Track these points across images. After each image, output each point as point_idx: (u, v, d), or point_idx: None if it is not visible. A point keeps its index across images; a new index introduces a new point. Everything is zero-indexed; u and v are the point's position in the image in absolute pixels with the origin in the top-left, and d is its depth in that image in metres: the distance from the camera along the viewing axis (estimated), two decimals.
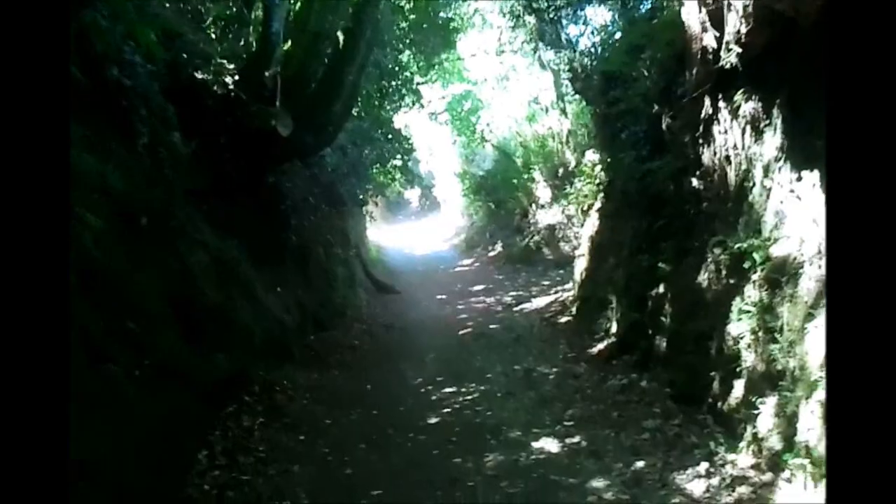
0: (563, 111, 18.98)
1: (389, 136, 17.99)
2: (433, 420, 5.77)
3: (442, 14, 17.90)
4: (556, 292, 12.63)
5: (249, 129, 7.27)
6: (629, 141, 6.96)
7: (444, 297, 13.71)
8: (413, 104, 19.06)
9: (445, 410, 6.01)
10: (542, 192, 18.99)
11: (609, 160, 8.02)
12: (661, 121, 6.12)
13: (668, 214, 5.88)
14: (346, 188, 13.53)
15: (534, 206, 19.14)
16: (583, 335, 8.45)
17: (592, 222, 9.36)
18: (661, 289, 6.01)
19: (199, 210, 7.23)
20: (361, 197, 16.45)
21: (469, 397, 6.39)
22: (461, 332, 9.87)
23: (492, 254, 20.17)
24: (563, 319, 9.87)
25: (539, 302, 12.00)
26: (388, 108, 18.00)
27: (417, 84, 19.29)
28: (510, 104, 22.63)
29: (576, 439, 4.97)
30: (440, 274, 17.67)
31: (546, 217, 18.02)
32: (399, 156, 18.99)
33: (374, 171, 18.74)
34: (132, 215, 4.50)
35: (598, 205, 9.27)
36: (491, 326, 10.16)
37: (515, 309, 11.76)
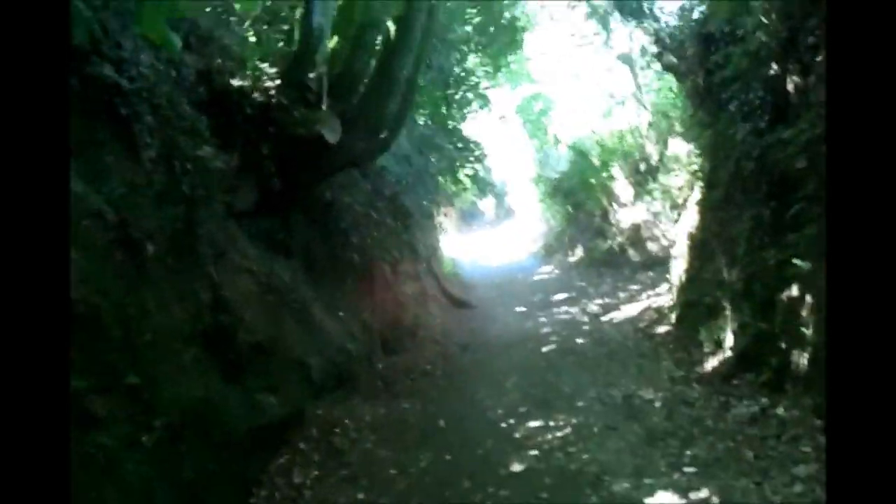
0: (641, 102, 17.83)
1: (458, 145, 17.26)
2: (517, 467, 4.74)
3: (507, 14, 16.97)
4: (647, 298, 11.40)
5: (293, 138, 6.50)
6: (740, 112, 5.74)
7: (523, 309, 12.65)
8: (481, 108, 18.28)
9: (532, 453, 4.97)
10: (623, 190, 17.79)
11: (711, 141, 6.81)
12: (784, 82, 4.94)
13: (803, 197, 4.66)
14: (413, 200, 12.70)
15: (614, 205, 17.97)
16: (688, 349, 7.23)
17: (691, 217, 8.12)
18: (796, 291, 4.79)
19: (245, 231, 6.52)
20: (430, 208, 15.68)
21: (559, 434, 5.33)
22: (545, 350, 8.80)
23: (572, 259, 19.05)
24: (662, 330, 8.64)
25: (630, 310, 10.78)
26: (456, 114, 17.30)
27: (485, 88, 18.51)
28: (583, 101, 21.50)
29: (703, 494, 3.82)
30: (519, 284, 16.60)
31: (629, 216, 16.85)
32: (469, 164, 18.24)
33: (444, 181, 18.01)
34: (135, 242, 3.71)
35: (696, 196, 8.02)
36: (578, 341, 9.04)
37: (604, 319, 10.58)
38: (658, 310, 9.86)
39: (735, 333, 5.98)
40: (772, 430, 4.48)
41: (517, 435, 5.46)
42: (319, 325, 7.17)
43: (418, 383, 7.62)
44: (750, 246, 5.55)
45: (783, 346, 4.93)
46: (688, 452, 4.47)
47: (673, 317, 8.71)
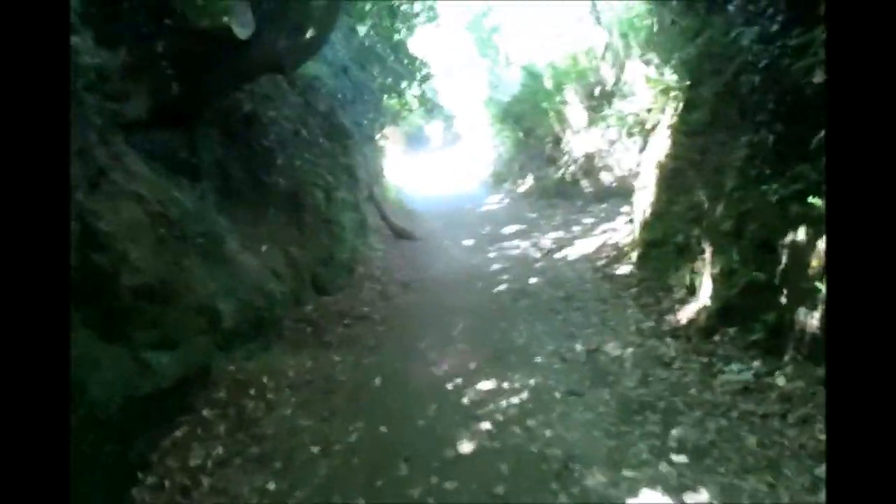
0: (598, 20, 16.77)
1: (404, 61, 15.95)
2: (466, 447, 3.87)
3: None
4: (603, 232, 10.65)
5: (195, 32, 5.24)
6: (743, 14, 4.73)
7: (471, 242, 11.76)
8: (428, 22, 16.90)
9: (483, 427, 4.11)
10: (576, 115, 16.86)
11: (695, 53, 5.82)
12: None
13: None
14: (352, 118, 11.46)
15: (567, 132, 17.07)
16: (655, 293, 6.47)
17: (661, 143, 7.21)
18: (803, 234, 3.95)
19: (138, 147, 5.30)
20: (372, 129, 14.44)
21: (515, 400, 4.48)
22: (495, 290, 7.95)
23: (522, 189, 18.25)
24: (622, 270, 7.88)
25: (585, 246, 10.00)
26: (401, 27, 15.95)
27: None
28: (537, 20, 20.24)
29: (703, 497, 3.03)
30: (466, 214, 15.69)
31: (582, 144, 16.03)
32: (416, 83, 17.01)
33: (388, 98, 16.77)
34: None
35: (668, 119, 7.10)
36: (531, 281, 8.21)
37: (557, 256, 9.78)
38: (616, 247, 9.10)
39: (716, 280, 5.17)
40: (773, 405, 3.70)
41: (465, 400, 4.60)
42: (234, 262, 6.09)
43: (353, 329, 6.68)
44: (744, 178, 4.65)
45: (783, 300, 4.12)
46: (673, 433, 3.66)
47: (634, 255, 7.94)
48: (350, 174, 10.92)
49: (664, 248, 6.81)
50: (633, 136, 13.95)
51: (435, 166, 27.10)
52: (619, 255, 8.63)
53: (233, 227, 6.49)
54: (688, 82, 6.16)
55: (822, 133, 3.61)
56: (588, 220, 12.36)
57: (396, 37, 15.78)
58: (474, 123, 26.40)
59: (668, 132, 6.95)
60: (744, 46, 4.61)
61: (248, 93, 7.32)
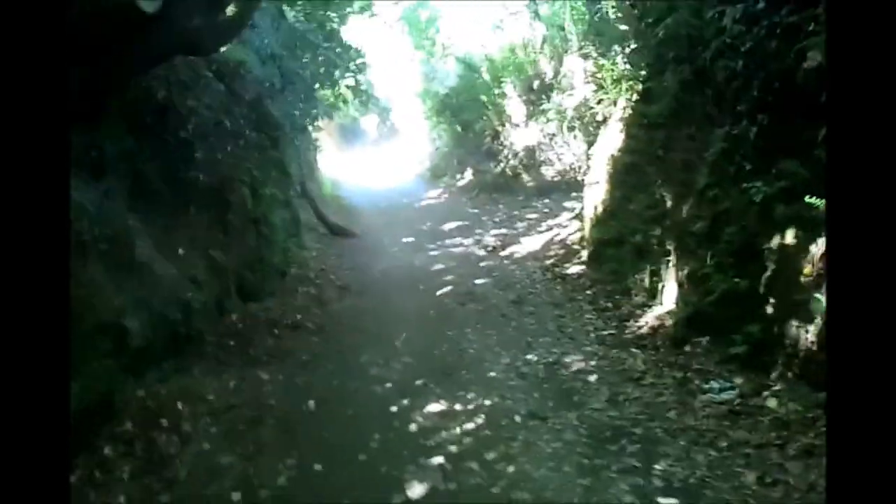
0: (536, 14, 16.47)
1: (337, 49, 15.23)
2: (417, 490, 3.30)
3: None
4: (549, 229, 10.26)
5: (95, 8, 4.46)
6: None
7: (412, 239, 11.19)
8: (362, 12, 16.28)
9: (435, 461, 3.55)
10: (516, 109, 16.51)
11: (656, 40, 5.38)
12: None
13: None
14: (282, 108, 10.67)
15: (507, 125, 16.69)
16: (613, 297, 6.07)
17: (613, 137, 6.81)
18: (793, 238, 3.55)
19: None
20: (304, 120, 13.64)
21: (470, 426, 3.95)
22: (440, 293, 7.41)
23: (461, 183, 17.79)
24: (574, 270, 7.47)
25: (531, 243, 9.58)
26: (334, 15, 15.29)
27: None
28: (473, 11, 19.83)
29: None
30: (405, 209, 15.10)
31: (522, 138, 15.65)
32: (351, 73, 16.32)
33: (321, 88, 16.03)
34: None
35: (621, 112, 6.69)
36: (477, 282, 7.71)
37: (503, 254, 9.32)
38: (565, 244, 8.71)
39: (683, 285, 4.77)
40: (768, 432, 3.28)
41: (413, 427, 4.04)
42: (146, 270, 5.33)
43: (285, 341, 6.02)
44: (719, 174, 4.24)
45: (770, 311, 3.72)
46: (656, 468, 3.19)
47: (585, 254, 7.55)
48: (280, 169, 10.14)
49: (620, 249, 6.42)
50: (574, 130, 13.67)
51: (371, 160, 26.38)
52: (569, 253, 8.23)
53: (145, 229, 5.73)
54: (643, 72, 5.74)
55: (817, 125, 3.20)
56: (532, 216, 12.00)
57: (329, 25, 15.08)
58: (411, 116, 25.78)
59: (622, 125, 6.54)
60: (723, 28, 4.18)
61: (162, 79, 6.53)
